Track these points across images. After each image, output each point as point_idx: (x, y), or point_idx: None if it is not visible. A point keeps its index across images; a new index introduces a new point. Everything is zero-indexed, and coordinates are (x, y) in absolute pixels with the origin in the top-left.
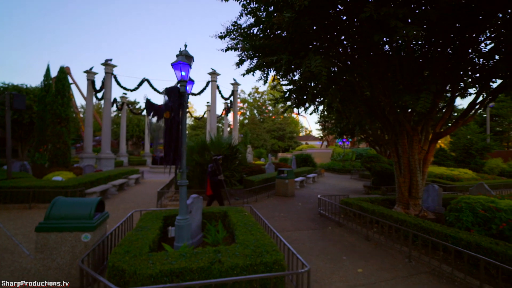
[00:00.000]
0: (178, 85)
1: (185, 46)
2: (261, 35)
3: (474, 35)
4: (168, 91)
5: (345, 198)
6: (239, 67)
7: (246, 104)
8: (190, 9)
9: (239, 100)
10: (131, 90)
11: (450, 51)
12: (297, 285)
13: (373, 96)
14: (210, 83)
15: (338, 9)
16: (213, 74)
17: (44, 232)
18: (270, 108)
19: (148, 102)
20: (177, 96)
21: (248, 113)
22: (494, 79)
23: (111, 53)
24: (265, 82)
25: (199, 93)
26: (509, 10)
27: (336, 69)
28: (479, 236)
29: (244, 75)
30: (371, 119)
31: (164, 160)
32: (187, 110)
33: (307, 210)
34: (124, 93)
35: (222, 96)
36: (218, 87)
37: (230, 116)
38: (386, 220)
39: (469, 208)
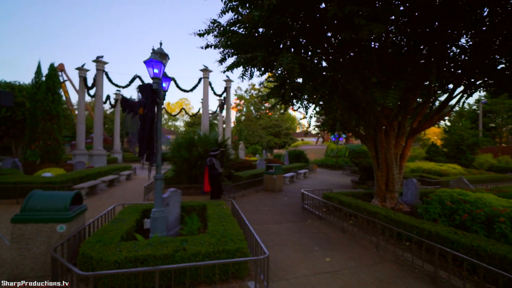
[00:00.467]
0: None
1: (160, 44)
2: (243, 32)
3: (443, 35)
4: (141, 88)
5: (327, 192)
6: (221, 64)
7: (243, 101)
8: (185, 5)
9: (235, 97)
10: (123, 87)
11: (424, 49)
12: (255, 270)
13: (352, 92)
14: (202, 80)
15: (305, 8)
16: (205, 70)
17: (20, 223)
18: (266, 104)
19: (123, 98)
20: (150, 93)
21: (245, 110)
22: (467, 77)
23: (104, 50)
24: (244, 78)
25: (191, 90)
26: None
27: (313, 65)
28: (440, 226)
29: (224, 72)
30: (350, 115)
31: (139, 155)
32: (183, 108)
33: (292, 205)
34: (117, 90)
35: (214, 93)
36: (210, 84)
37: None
38: (361, 212)
39: (438, 200)
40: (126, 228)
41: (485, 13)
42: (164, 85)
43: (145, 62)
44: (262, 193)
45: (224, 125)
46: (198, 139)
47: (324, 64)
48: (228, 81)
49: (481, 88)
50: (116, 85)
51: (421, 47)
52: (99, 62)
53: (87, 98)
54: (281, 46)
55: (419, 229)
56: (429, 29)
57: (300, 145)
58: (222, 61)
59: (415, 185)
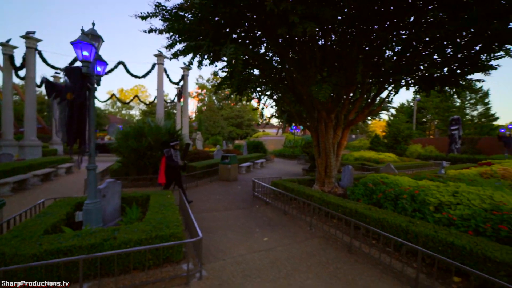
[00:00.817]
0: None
1: (93, 24)
2: (192, 18)
3: (372, 36)
4: (67, 72)
5: (275, 180)
6: (169, 50)
7: (204, 90)
8: None
9: (197, 86)
10: (61, 69)
11: (354, 48)
12: (192, 254)
13: (295, 85)
14: (157, 66)
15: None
16: (160, 56)
17: None
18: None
19: (47, 82)
20: (79, 77)
21: (206, 99)
22: (390, 76)
23: (41, 27)
24: (190, 66)
25: (144, 76)
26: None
27: (267, 58)
28: (360, 204)
29: (171, 59)
30: (300, 107)
31: (67, 144)
32: (137, 95)
33: (244, 193)
34: (56, 73)
35: (170, 81)
36: (165, 71)
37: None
38: (300, 196)
39: (363, 183)
40: (53, 222)
41: (411, 20)
42: (98, 69)
43: (72, 43)
44: (217, 183)
45: (190, 115)
46: (148, 128)
47: (277, 57)
48: (186, 68)
49: (404, 87)
50: (53, 67)
51: (352, 46)
52: (30, 39)
53: (18, 81)
54: (235, 36)
55: (344, 207)
56: (358, 31)
57: (261, 136)
58: (170, 47)
59: (350, 171)
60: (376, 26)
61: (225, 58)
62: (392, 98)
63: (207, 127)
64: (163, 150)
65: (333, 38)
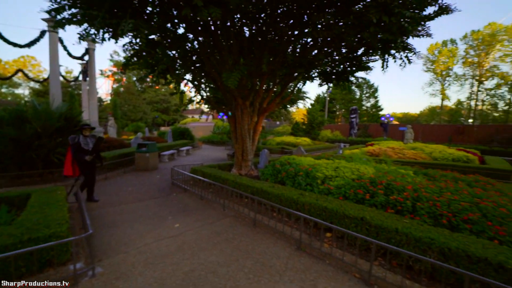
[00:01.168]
0: None
1: None
2: None
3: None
4: None
5: (194, 166)
6: (55, 16)
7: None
8: None
9: (112, 64)
10: None
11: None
12: (79, 251)
13: (210, 71)
14: (48, 34)
15: None
16: (51, 21)
17: None
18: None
19: None
20: None
21: (125, 80)
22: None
23: None
24: (82, 39)
25: (29, 45)
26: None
27: (177, 38)
28: (266, 183)
29: (54, 27)
30: (219, 94)
31: None
32: (21, 69)
33: (162, 182)
34: None
35: (69, 54)
36: (62, 41)
37: (102, 82)
38: (217, 181)
39: (272, 164)
40: None
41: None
42: None
43: None
44: (132, 173)
45: (103, 97)
46: (34, 112)
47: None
48: (92, 41)
49: (308, 79)
50: None
51: (261, 37)
52: None
53: None
54: (148, 11)
55: (252, 187)
56: (265, 23)
57: (189, 122)
58: (55, 12)
59: (265, 155)
60: (283, 23)
61: (122, 34)
62: (300, 89)
63: (126, 112)
64: (68, 138)
65: (253, 28)
